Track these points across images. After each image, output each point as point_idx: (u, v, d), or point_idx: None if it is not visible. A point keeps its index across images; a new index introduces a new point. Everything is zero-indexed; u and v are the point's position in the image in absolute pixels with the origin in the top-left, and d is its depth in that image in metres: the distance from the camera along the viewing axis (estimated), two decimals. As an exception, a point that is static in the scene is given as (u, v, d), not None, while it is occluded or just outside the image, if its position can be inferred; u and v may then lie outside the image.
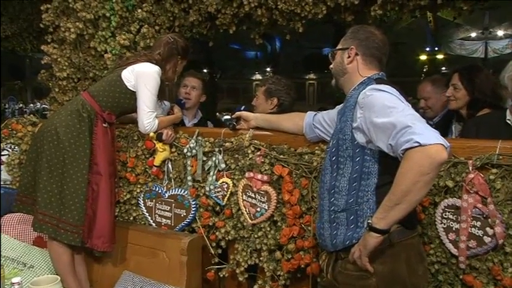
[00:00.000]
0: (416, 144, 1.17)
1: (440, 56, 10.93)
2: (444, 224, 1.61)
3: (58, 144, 2.01)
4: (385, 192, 1.28)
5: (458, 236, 1.57)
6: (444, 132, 2.36)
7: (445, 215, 1.61)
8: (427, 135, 1.18)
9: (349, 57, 1.49)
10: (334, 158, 1.45)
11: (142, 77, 2.08)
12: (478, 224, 1.53)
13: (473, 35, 10.32)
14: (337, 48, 1.54)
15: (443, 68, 11.32)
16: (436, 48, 10.89)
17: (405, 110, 1.27)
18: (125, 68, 2.12)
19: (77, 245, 2.04)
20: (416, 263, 1.38)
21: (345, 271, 1.42)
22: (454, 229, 1.59)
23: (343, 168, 1.41)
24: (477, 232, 1.53)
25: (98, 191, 2.06)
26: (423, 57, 11.29)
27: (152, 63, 2.11)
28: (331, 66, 1.58)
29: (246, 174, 2.01)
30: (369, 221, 1.30)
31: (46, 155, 2.02)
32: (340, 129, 1.45)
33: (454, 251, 1.59)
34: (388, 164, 1.30)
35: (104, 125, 2.11)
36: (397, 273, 1.34)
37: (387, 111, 1.26)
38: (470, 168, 1.55)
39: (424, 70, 10.69)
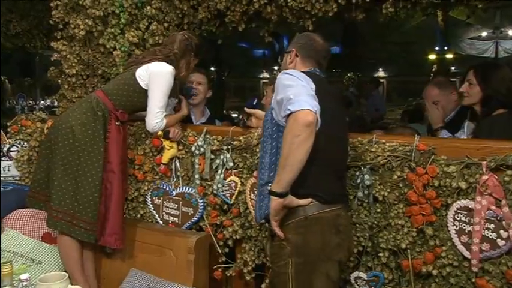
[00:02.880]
0: (289, 112, 1.36)
1: (449, 56, 10.79)
2: (456, 226, 1.58)
3: (73, 142, 2.02)
4: None
5: (471, 239, 1.54)
6: (454, 132, 2.32)
7: (458, 217, 1.58)
8: (298, 103, 1.35)
9: (290, 57, 1.72)
10: (261, 139, 1.66)
11: (156, 77, 2.07)
12: (492, 226, 1.50)
13: (484, 34, 10.18)
14: (285, 51, 1.78)
15: (453, 68, 11.19)
16: (446, 48, 10.76)
17: (298, 87, 1.42)
18: (140, 67, 2.11)
19: (90, 242, 2.04)
20: (330, 235, 1.48)
21: (272, 243, 1.58)
22: (466, 231, 1.56)
23: (266, 146, 1.58)
24: (491, 235, 1.50)
25: (111, 189, 2.07)
26: (432, 56, 11.17)
27: (168, 62, 2.10)
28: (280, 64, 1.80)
29: (254, 173, 1.99)
30: (268, 187, 1.46)
31: (61, 152, 2.02)
32: (266, 113, 1.63)
33: (466, 253, 1.56)
34: None
35: (116, 123, 2.11)
36: (309, 243, 1.46)
37: (284, 89, 1.44)
38: (484, 169, 1.52)
39: (433, 70, 10.57)
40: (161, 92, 2.06)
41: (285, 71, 1.55)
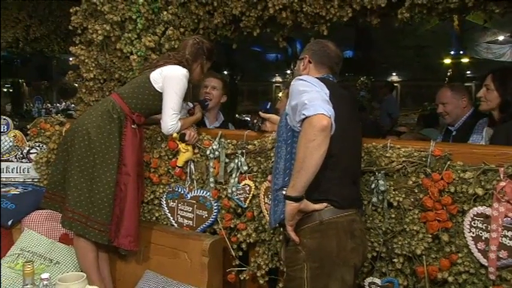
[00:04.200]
0: (303, 117, 1.38)
1: (465, 60, 10.65)
2: (473, 233, 1.57)
3: (89, 144, 2.05)
4: None
5: (487, 246, 1.52)
6: (467, 138, 2.30)
7: (474, 223, 1.57)
8: (313, 108, 1.36)
9: (303, 64, 1.74)
10: (275, 144, 1.68)
11: (170, 80, 2.10)
12: (510, 234, 1.49)
13: (501, 38, 10.01)
14: (298, 58, 1.81)
15: (469, 72, 11.03)
16: (461, 52, 10.62)
17: (313, 92, 1.43)
18: (154, 70, 2.15)
19: (103, 243, 2.07)
20: (346, 239, 1.48)
21: (287, 247, 1.58)
22: (483, 238, 1.54)
23: (280, 152, 1.59)
24: (508, 242, 1.49)
25: (126, 191, 2.09)
26: (447, 60, 11.03)
27: (181, 65, 2.13)
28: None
29: (269, 177, 2.00)
30: (283, 192, 1.48)
31: (77, 154, 2.05)
32: (280, 119, 1.64)
33: (483, 261, 1.54)
34: None
35: (132, 126, 2.14)
36: (325, 248, 1.46)
37: (299, 95, 1.45)
38: (502, 175, 1.50)
39: (449, 74, 10.44)
40: (176, 95, 2.09)
41: (299, 77, 1.56)
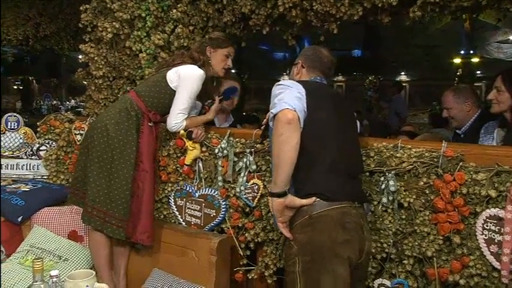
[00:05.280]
0: (272, 115, 1.46)
1: (475, 60, 10.53)
2: (485, 236, 1.54)
3: (107, 141, 2.08)
4: (299, 165, 1.45)
5: (500, 249, 1.50)
6: (474, 140, 2.26)
7: (487, 225, 1.54)
8: (279, 105, 1.43)
9: (297, 69, 1.82)
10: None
11: (185, 80, 2.12)
12: (523, 236, 1.45)
13: (512, 37, 9.88)
14: (294, 63, 1.87)
15: (479, 72, 10.90)
16: (472, 51, 10.50)
17: (285, 93, 1.49)
18: (170, 69, 2.16)
19: (121, 239, 2.10)
20: (336, 232, 1.49)
21: (284, 243, 1.63)
22: (496, 241, 1.52)
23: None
24: (522, 245, 1.46)
25: (143, 188, 2.12)
26: (457, 60, 10.91)
27: (197, 65, 2.15)
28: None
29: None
30: (268, 188, 1.52)
31: (96, 151, 2.09)
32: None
33: (496, 264, 1.52)
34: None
35: (149, 124, 2.17)
36: (315, 241, 1.48)
37: (274, 99, 1.51)
38: (516, 177, 1.47)
39: (458, 74, 10.33)
40: (187, 95, 2.11)
41: (277, 82, 1.62)
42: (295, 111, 1.42)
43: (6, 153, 2.84)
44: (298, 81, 1.61)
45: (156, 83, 2.18)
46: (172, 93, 2.14)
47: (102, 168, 2.07)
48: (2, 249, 2.36)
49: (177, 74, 2.13)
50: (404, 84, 10.84)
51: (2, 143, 2.84)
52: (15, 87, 13.00)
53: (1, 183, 2.70)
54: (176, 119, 2.12)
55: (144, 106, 2.14)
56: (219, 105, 2.34)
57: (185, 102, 2.12)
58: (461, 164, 1.61)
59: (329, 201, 1.50)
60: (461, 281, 1.59)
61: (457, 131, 2.51)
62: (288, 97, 1.47)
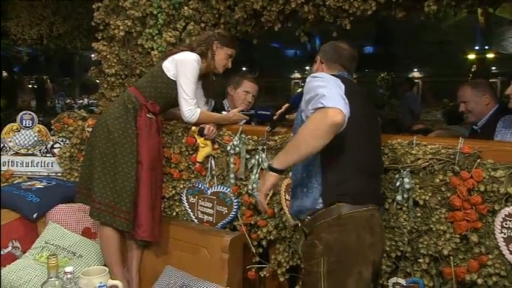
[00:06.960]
0: (321, 105, 1.36)
1: (490, 55, 10.33)
2: (504, 234, 1.51)
3: (108, 136, 2.11)
4: (329, 165, 1.47)
5: (520, 248, 1.46)
6: (491, 135, 2.21)
7: (506, 224, 1.50)
8: (332, 100, 1.35)
9: (316, 65, 1.79)
10: None
11: (181, 65, 2.15)
12: (544, 235, 1.42)
13: (529, 32, 9.67)
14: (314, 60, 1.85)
15: (494, 68, 10.69)
16: (486, 47, 10.31)
17: (331, 88, 1.42)
18: (166, 59, 2.20)
19: (129, 231, 2.12)
20: (364, 234, 1.47)
21: (305, 241, 1.58)
22: (515, 240, 1.48)
23: None
24: (542, 244, 1.42)
25: (139, 182, 2.11)
26: (471, 56, 10.72)
27: (192, 52, 2.18)
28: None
29: (290, 174, 1.97)
30: (269, 162, 1.51)
31: (98, 147, 2.12)
32: (296, 116, 1.65)
33: (515, 263, 1.48)
34: (331, 140, 1.39)
35: (148, 115, 2.18)
36: (343, 243, 1.45)
37: (316, 89, 1.43)
38: (536, 174, 1.43)
39: (473, 70, 10.15)
40: (187, 79, 2.13)
41: (313, 74, 1.58)
42: (345, 116, 1.34)
43: (22, 151, 2.89)
44: (333, 75, 1.55)
45: (152, 73, 2.23)
46: (169, 82, 2.17)
47: (105, 164, 2.10)
48: (18, 245, 2.39)
49: (173, 63, 2.17)
50: (416, 81, 10.70)
51: (17, 141, 2.89)
52: (30, 86, 13.19)
53: (17, 180, 2.76)
54: (187, 105, 2.15)
55: (142, 98, 2.17)
56: (240, 108, 2.35)
57: (187, 87, 2.14)
58: (478, 160, 1.57)
59: (357, 204, 1.48)
60: (479, 280, 1.56)
61: (473, 126, 2.45)
62: (338, 95, 1.39)
